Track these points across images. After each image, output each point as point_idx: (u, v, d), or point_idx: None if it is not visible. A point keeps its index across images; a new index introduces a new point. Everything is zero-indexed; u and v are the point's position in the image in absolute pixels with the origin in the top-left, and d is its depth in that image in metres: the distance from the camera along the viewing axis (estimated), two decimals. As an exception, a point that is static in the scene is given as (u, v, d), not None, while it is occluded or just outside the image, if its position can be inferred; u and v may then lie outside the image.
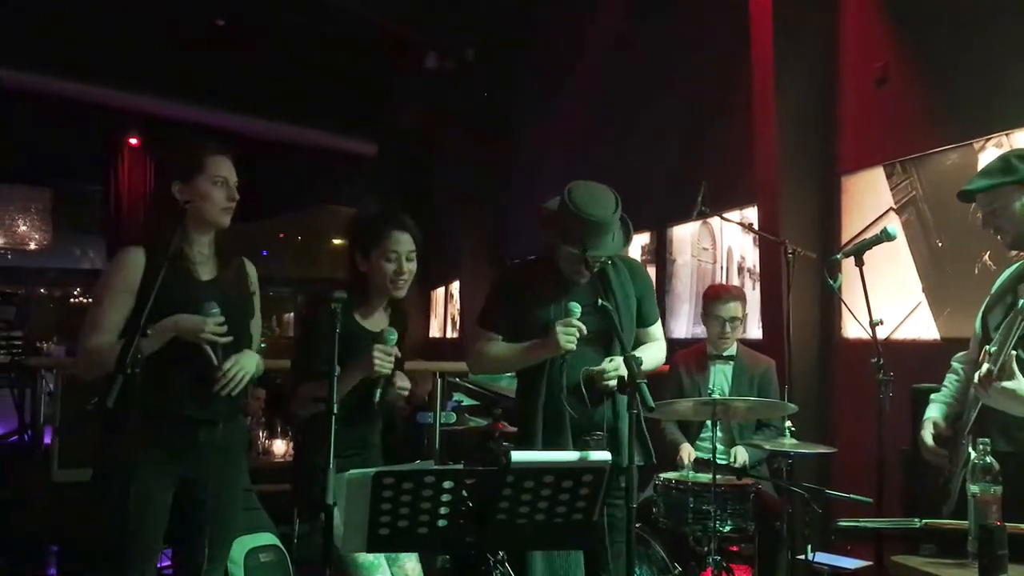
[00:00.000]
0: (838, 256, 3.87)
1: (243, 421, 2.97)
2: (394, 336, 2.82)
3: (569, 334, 2.83)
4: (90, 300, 2.74)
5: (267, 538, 4.07)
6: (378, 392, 2.79)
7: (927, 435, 2.96)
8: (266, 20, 9.32)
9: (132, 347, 2.23)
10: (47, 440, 4.74)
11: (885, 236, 3.59)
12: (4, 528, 4.86)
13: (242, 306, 2.80)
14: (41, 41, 9.63)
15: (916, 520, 2.77)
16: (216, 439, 2.67)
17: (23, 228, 12.33)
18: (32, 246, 12.64)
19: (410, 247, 2.94)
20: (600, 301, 2.78)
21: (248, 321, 2.84)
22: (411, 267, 2.94)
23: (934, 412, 3.01)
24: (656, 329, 3.21)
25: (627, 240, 3.01)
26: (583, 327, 2.85)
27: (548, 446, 2.88)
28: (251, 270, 2.92)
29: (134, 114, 11.67)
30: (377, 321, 2.98)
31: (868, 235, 4.25)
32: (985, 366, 2.60)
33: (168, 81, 10.65)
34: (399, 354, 2.84)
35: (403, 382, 2.91)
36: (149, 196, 2.65)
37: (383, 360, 2.76)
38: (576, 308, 2.87)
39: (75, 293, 15.87)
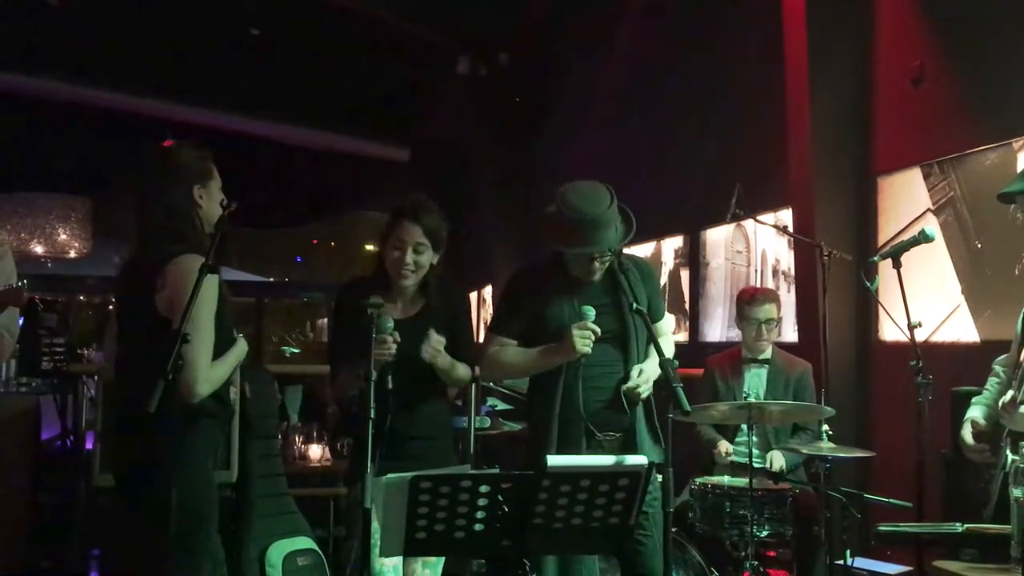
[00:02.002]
0: (875, 258, 3.83)
1: None
2: (390, 323, 2.82)
3: (584, 338, 2.82)
4: (186, 323, 2.44)
5: (304, 542, 4.12)
6: (389, 378, 2.81)
7: (967, 434, 2.94)
8: (298, 28, 9.41)
9: (175, 353, 2.26)
10: (89, 445, 4.82)
11: (923, 237, 3.55)
12: (47, 532, 4.94)
13: None
14: (78, 52, 9.79)
15: (957, 524, 2.74)
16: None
17: (63, 237, 12.47)
18: (72, 254, 12.78)
19: (419, 239, 2.95)
20: (635, 305, 2.77)
21: None
22: (418, 258, 2.95)
23: (975, 412, 3.00)
24: (664, 324, 3.21)
25: (628, 232, 2.95)
26: (598, 330, 2.84)
27: (562, 449, 2.85)
28: None
29: (171, 122, 11.82)
30: (401, 312, 3.00)
31: (905, 237, 4.19)
32: (1010, 392, 2.59)
33: (203, 89, 10.79)
34: (398, 339, 2.82)
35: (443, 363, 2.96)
36: (165, 199, 2.51)
37: (379, 347, 2.78)
38: (591, 311, 2.85)
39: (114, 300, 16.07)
